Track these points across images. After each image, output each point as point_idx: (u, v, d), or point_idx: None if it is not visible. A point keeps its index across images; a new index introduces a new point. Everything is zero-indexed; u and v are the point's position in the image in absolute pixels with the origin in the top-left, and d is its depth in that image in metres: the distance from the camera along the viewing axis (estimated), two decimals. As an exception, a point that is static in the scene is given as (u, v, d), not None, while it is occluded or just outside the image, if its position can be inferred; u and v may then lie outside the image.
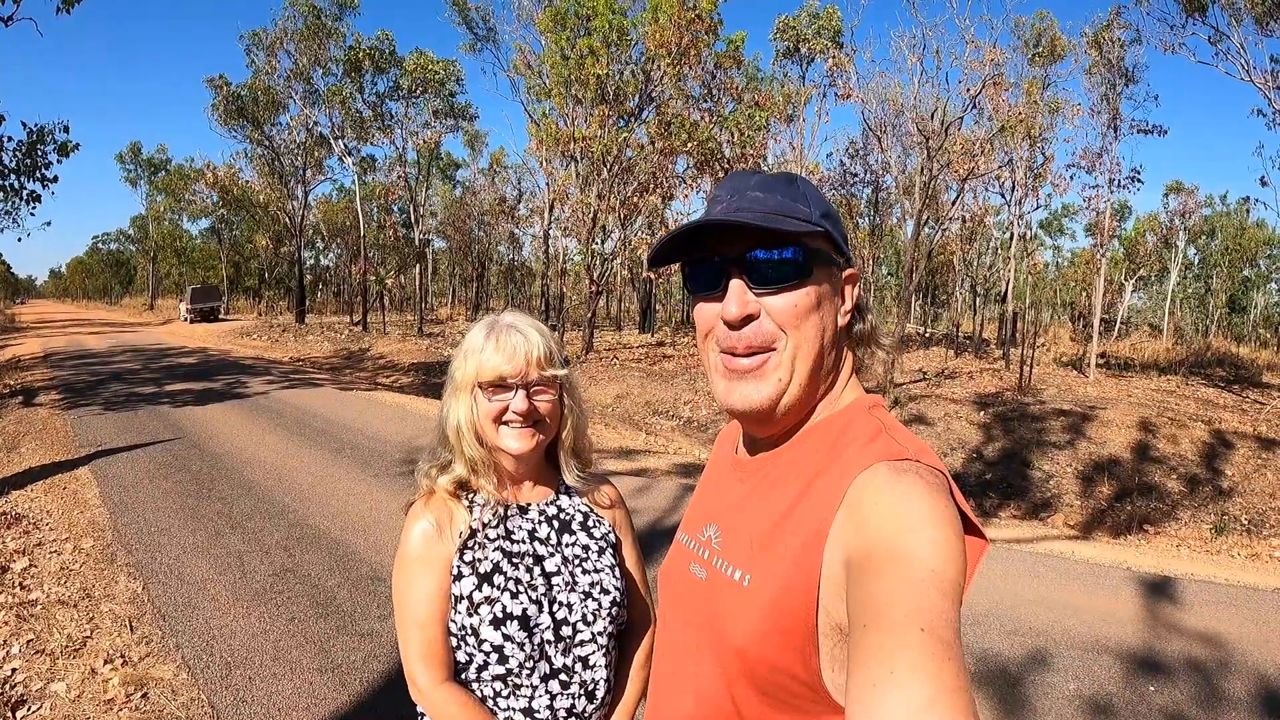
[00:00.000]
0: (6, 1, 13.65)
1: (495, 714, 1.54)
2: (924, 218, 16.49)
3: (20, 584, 5.26)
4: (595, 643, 1.58)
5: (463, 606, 1.53)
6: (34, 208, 16.64)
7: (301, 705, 3.84)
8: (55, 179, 16.66)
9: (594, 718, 1.59)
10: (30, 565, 5.57)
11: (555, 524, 1.66)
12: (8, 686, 4.02)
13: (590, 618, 1.58)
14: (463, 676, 1.56)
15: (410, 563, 1.57)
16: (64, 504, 7.06)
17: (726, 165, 15.51)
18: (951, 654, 0.78)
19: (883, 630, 0.80)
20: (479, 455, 1.59)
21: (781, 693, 0.99)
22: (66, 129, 16.28)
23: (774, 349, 1.06)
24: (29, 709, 3.82)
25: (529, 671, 1.53)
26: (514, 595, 1.53)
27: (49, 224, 29.80)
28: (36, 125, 16.28)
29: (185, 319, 41.70)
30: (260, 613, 4.87)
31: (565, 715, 1.55)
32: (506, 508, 1.64)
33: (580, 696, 1.56)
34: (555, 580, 1.58)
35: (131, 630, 4.61)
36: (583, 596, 1.59)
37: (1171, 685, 4.37)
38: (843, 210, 25.73)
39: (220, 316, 43.31)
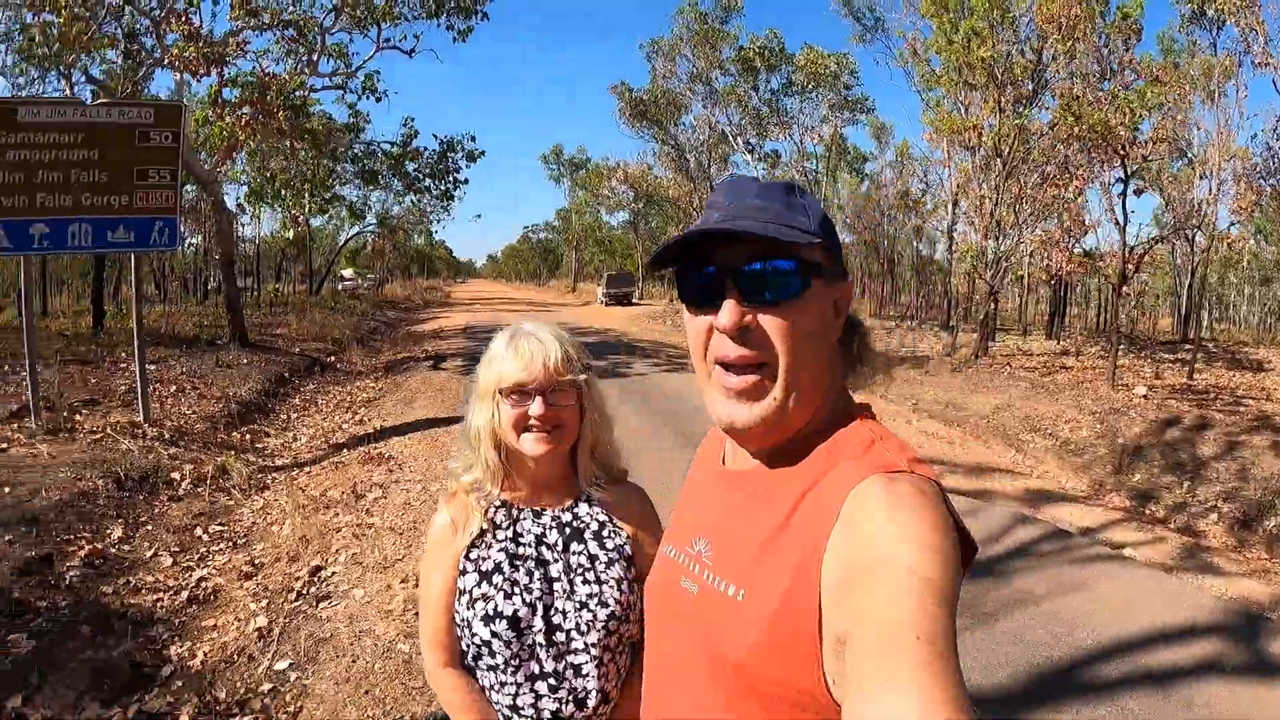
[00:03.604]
0: (408, 37, 17.05)
1: (494, 703, 1.63)
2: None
3: (367, 510, 6.33)
4: (588, 653, 1.61)
5: (464, 600, 1.63)
6: (446, 205, 20.10)
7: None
8: (466, 181, 20.15)
9: None
10: (381, 497, 6.53)
11: (567, 530, 1.70)
12: (324, 585, 4.94)
13: (585, 628, 1.61)
14: (467, 663, 1.67)
15: (428, 555, 1.74)
16: (429, 452, 8.10)
17: (1123, 150, 13.36)
18: (948, 662, 0.78)
19: (879, 639, 0.81)
20: (493, 459, 1.66)
21: (785, 705, 0.96)
22: (473, 139, 20.29)
23: (767, 363, 1.04)
24: (329, 604, 4.70)
25: (513, 669, 1.60)
26: (508, 596, 1.61)
27: (479, 216, 35.49)
28: (446, 137, 19.83)
29: (602, 302, 45.31)
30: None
31: (550, 718, 1.60)
32: (520, 511, 1.71)
33: (569, 702, 1.60)
34: (556, 586, 1.64)
35: (433, 559, 5.16)
36: (578, 606, 1.62)
37: None
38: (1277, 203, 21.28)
39: (634, 301, 46.54)
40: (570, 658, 1.60)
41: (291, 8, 14.98)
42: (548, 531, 1.68)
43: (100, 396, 9.25)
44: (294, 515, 6.13)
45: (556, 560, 1.65)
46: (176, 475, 6.90)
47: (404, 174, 18.81)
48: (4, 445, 7.03)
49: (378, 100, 17.34)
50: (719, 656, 1.02)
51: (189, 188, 17.40)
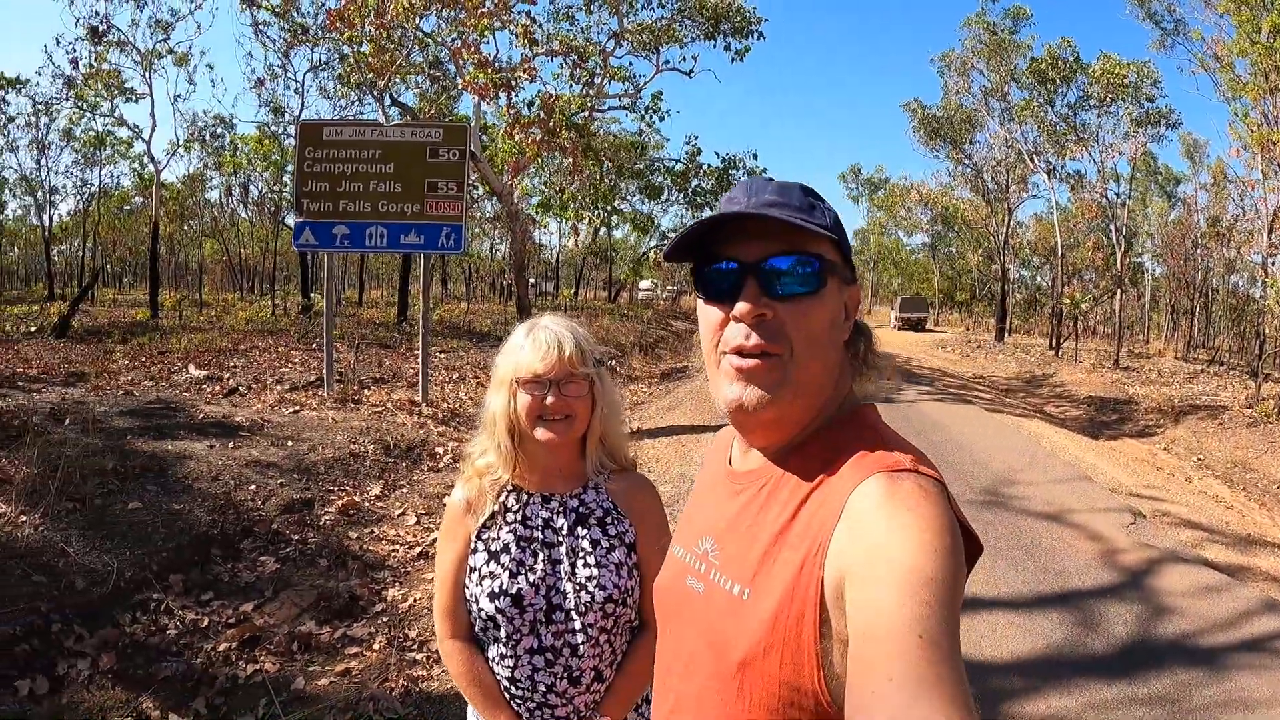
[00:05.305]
0: (686, 59, 18.19)
1: (495, 674, 1.75)
2: None
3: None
4: (585, 632, 1.69)
5: (474, 577, 1.74)
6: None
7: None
8: (749, 200, 21.37)
9: (576, 700, 1.71)
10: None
11: (574, 515, 1.77)
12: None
13: (583, 609, 1.68)
14: (476, 635, 1.78)
15: (443, 531, 1.85)
16: (674, 456, 8.70)
17: None
18: (950, 660, 0.79)
19: (881, 637, 0.82)
20: (507, 445, 1.74)
21: (785, 706, 0.98)
22: (755, 156, 20.85)
23: (781, 353, 1.05)
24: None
25: (515, 643, 1.69)
26: (514, 575, 1.70)
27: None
28: (728, 155, 20.70)
29: (894, 326, 43.79)
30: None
31: (545, 690, 1.69)
32: (530, 495, 1.79)
33: (563, 678, 1.69)
34: (559, 568, 1.72)
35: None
36: (578, 588, 1.69)
37: None
38: None
39: (926, 327, 44.76)
40: (568, 636, 1.68)
41: (577, 35, 16.41)
42: (555, 516, 1.76)
43: (389, 376, 10.65)
44: (532, 497, 6.81)
45: (561, 543, 1.73)
46: (440, 450, 7.82)
47: (686, 190, 19.84)
48: (298, 408, 8.36)
49: (661, 119, 18.50)
50: (723, 655, 1.04)
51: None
